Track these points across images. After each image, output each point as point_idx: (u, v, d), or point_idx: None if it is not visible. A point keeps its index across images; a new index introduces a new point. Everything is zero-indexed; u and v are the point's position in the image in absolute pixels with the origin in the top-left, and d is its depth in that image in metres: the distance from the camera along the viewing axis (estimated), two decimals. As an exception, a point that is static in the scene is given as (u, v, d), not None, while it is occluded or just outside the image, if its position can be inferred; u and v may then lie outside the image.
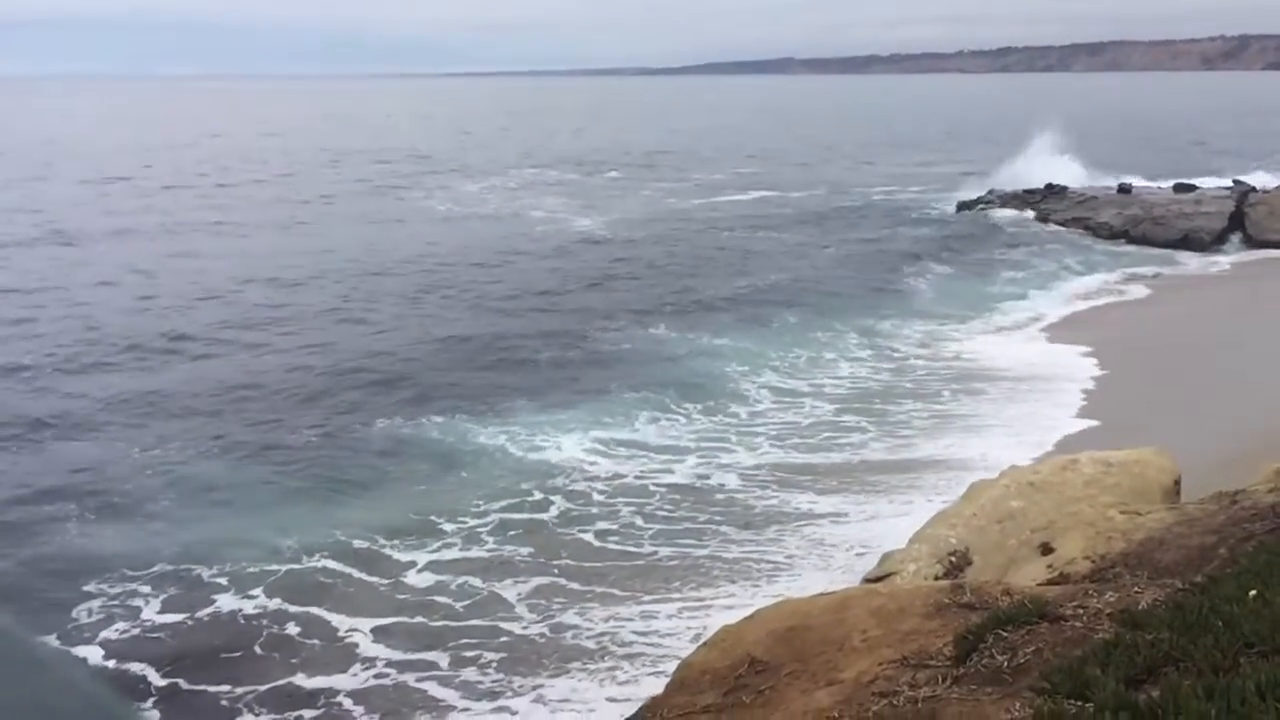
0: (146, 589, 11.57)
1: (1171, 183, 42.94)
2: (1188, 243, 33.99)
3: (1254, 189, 38.96)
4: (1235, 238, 34.73)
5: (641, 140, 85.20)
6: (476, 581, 11.82)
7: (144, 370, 19.74)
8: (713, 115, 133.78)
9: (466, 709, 9.58)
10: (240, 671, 10.15)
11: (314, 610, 11.21)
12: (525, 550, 12.60)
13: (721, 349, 21.38)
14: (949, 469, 14.69)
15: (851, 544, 12.51)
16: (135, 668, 10.19)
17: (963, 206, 42.13)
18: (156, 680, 10.02)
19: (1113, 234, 35.72)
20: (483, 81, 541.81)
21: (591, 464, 15.28)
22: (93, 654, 10.34)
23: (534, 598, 11.47)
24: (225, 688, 9.88)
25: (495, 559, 12.42)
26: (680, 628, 10.68)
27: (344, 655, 10.44)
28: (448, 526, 13.20)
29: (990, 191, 43.48)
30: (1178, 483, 9.13)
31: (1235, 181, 42.31)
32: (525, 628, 10.87)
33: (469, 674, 10.08)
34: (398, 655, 10.39)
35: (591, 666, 10.14)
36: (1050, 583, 6.96)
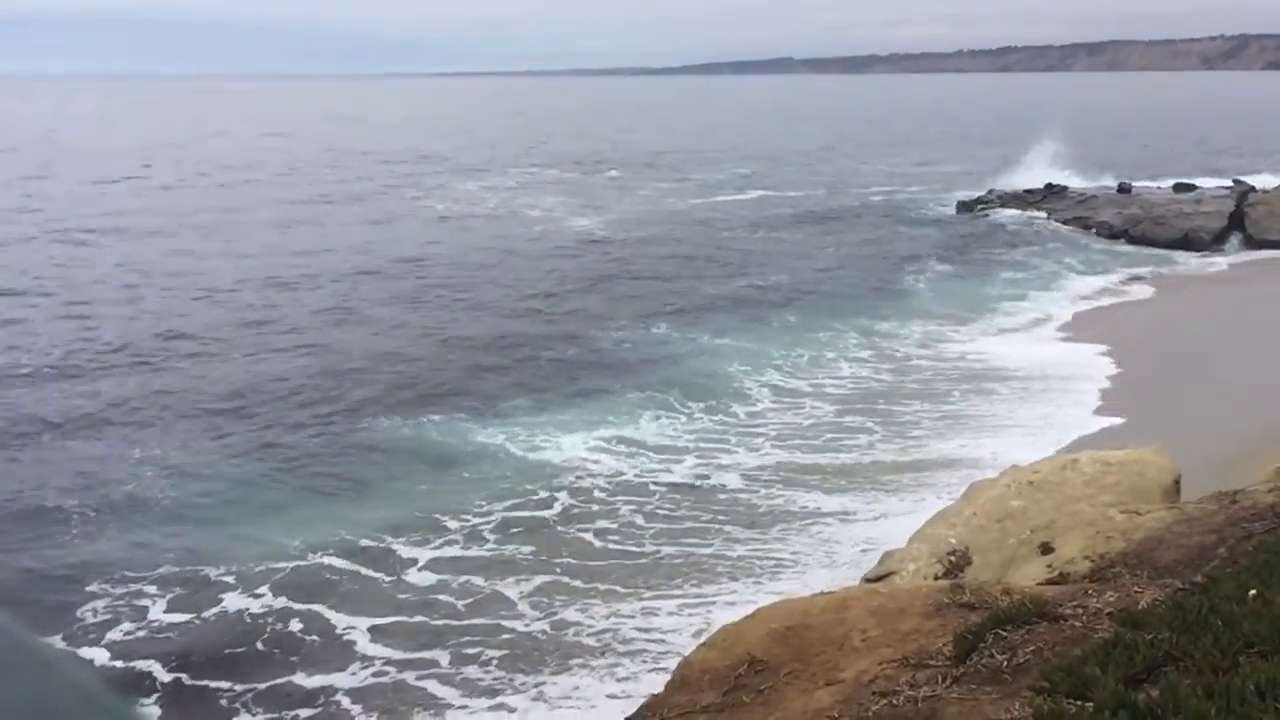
0: (152, 589, 11.62)
1: (1171, 182, 42.98)
2: (1188, 242, 33.99)
3: (1254, 189, 38.98)
4: (1235, 237, 34.74)
5: (641, 140, 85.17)
6: (478, 579, 11.86)
7: (145, 370, 19.75)
8: (712, 115, 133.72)
9: (466, 706, 9.63)
10: (245, 670, 10.20)
11: (317, 608, 11.26)
12: (527, 548, 12.63)
13: (722, 348, 21.42)
14: (964, 467, 14.44)
15: (858, 542, 12.46)
16: (140, 666, 10.24)
17: (962, 206, 42.10)
18: (162, 677, 10.07)
19: (1113, 234, 35.73)
20: (482, 81, 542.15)
21: (593, 463, 15.30)
22: (99, 655, 10.39)
23: (536, 595, 11.50)
24: (229, 686, 9.93)
25: (497, 557, 12.46)
26: (682, 624, 10.71)
27: (348, 653, 10.49)
28: (450, 525, 13.24)
29: (990, 191, 43.48)
30: (1178, 482, 9.14)
31: (1235, 181, 42.33)
32: (527, 625, 10.91)
33: (470, 671, 10.12)
34: (400, 653, 10.43)
35: (593, 663, 10.17)
36: (1050, 582, 6.98)
